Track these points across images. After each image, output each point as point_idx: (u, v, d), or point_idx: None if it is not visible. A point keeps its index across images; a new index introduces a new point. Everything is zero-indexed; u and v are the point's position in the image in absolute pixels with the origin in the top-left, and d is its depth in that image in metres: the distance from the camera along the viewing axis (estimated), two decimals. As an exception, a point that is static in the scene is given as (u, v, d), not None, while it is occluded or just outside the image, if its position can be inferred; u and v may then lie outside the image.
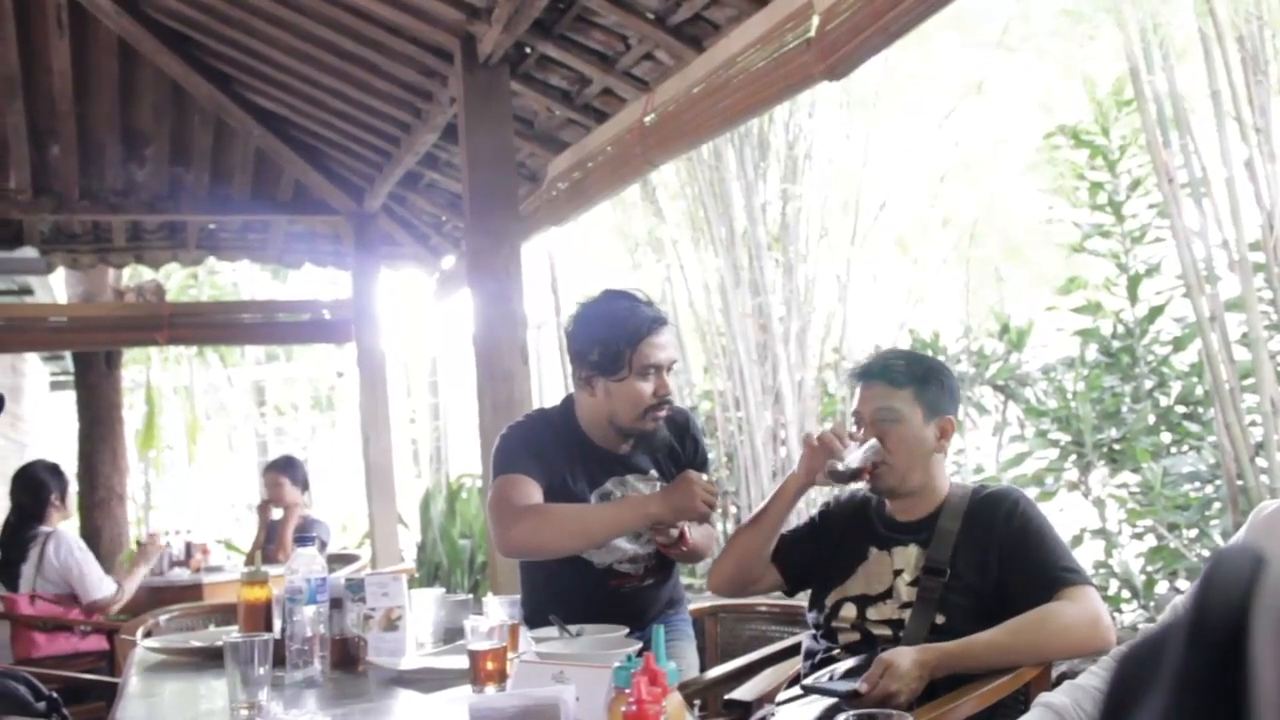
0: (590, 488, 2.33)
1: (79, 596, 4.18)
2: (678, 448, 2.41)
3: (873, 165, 5.81)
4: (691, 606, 2.65)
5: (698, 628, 2.64)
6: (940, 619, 1.88)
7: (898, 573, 1.98)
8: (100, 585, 4.20)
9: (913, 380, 1.99)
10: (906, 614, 1.93)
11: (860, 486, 2.14)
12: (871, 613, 1.97)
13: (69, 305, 7.66)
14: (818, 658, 2.01)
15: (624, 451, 2.36)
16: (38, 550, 4.18)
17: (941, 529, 1.96)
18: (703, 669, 2.44)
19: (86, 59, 5.28)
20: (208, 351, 13.34)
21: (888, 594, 1.97)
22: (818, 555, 2.14)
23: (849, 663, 1.89)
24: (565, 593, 2.34)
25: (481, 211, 3.89)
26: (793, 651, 2.26)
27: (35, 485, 4.32)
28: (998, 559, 1.91)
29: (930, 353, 5.64)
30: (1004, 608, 1.88)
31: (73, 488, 4.52)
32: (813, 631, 2.10)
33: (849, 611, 2.00)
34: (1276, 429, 3.59)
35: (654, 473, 2.39)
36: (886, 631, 1.94)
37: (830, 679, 1.86)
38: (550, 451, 2.31)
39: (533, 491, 2.23)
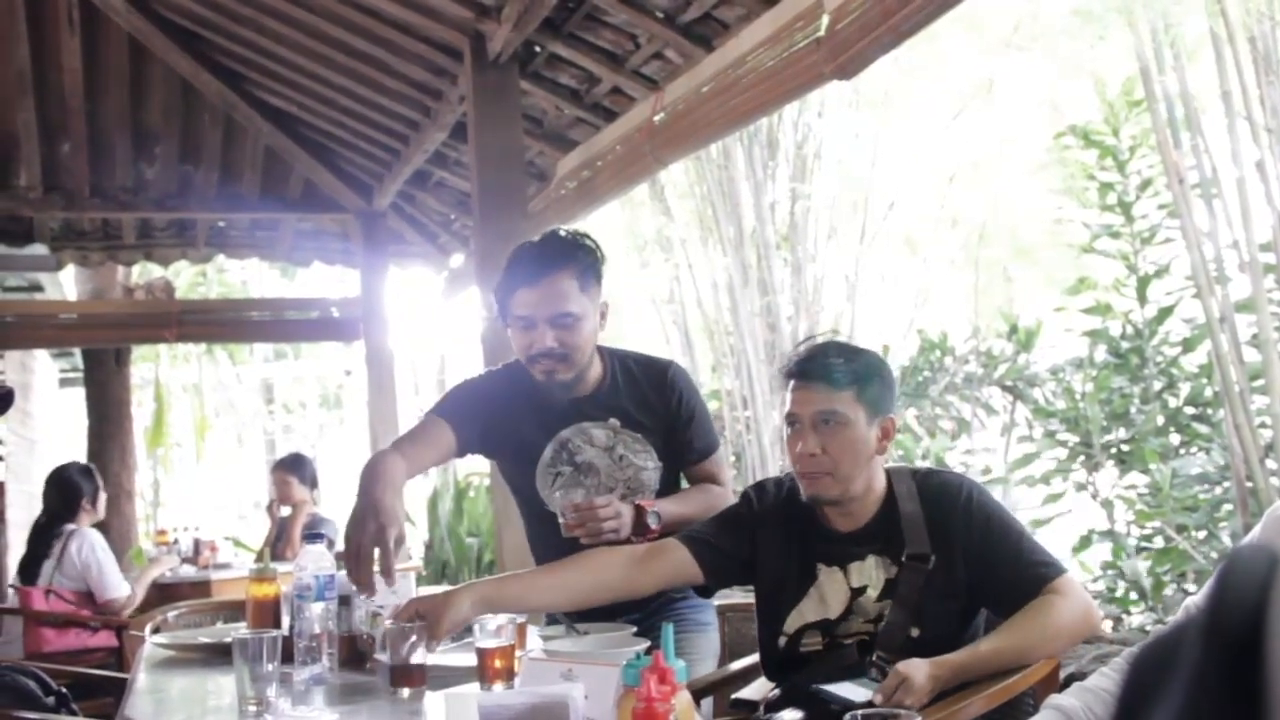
0: (546, 436, 2.27)
1: (95, 594, 4.19)
2: (651, 396, 2.30)
3: (882, 165, 5.82)
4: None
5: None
6: (915, 632, 1.83)
7: (859, 590, 1.90)
8: (118, 586, 4.22)
9: (854, 380, 1.86)
10: (876, 626, 1.86)
11: (786, 476, 2.01)
12: (840, 631, 1.90)
13: (78, 302, 7.68)
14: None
15: (582, 394, 2.26)
16: (60, 546, 4.20)
17: (906, 516, 1.88)
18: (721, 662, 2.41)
19: (97, 57, 5.30)
20: (216, 349, 13.39)
21: (849, 613, 1.90)
22: (745, 549, 1.99)
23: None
24: (550, 558, 2.24)
25: (490, 210, 3.90)
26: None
27: (69, 488, 4.34)
28: (963, 560, 1.85)
29: (939, 353, 5.64)
30: (977, 608, 1.87)
31: (104, 490, 4.53)
32: (770, 662, 1.98)
33: (814, 638, 1.92)
34: (1287, 431, 3.57)
35: (615, 421, 2.29)
36: (864, 640, 1.88)
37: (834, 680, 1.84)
38: (499, 405, 2.26)
39: (435, 434, 2.21)
